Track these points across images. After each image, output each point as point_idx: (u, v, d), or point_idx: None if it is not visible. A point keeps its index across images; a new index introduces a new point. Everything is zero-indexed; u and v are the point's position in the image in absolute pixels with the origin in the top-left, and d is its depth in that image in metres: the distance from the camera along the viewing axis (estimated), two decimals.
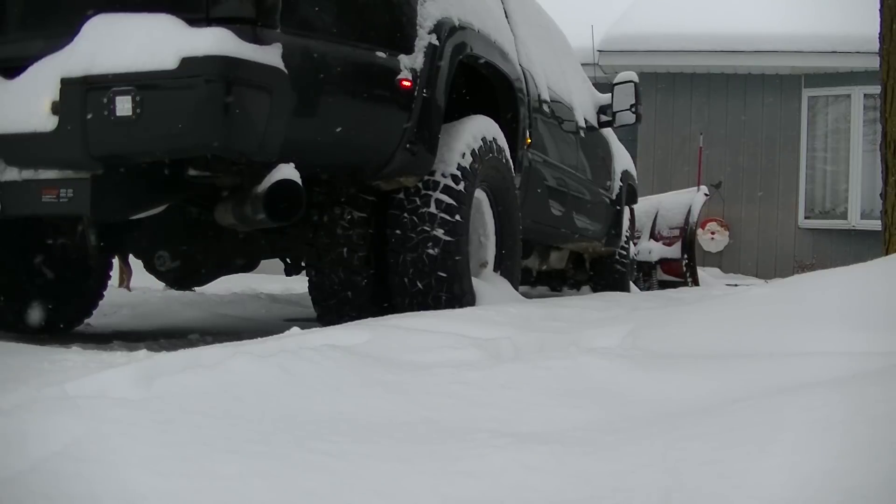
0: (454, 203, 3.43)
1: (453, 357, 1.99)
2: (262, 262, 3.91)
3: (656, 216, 9.07)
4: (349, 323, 2.67)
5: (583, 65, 6.51)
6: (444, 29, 3.44)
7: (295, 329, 2.60)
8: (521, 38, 4.56)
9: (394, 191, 3.45)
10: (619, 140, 7.05)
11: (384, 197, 3.47)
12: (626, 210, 6.95)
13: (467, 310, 3.05)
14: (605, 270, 6.96)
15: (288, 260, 3.97)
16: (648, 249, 8.92)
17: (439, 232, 3.37)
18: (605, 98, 6.17)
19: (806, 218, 11.54)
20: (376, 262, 3.46)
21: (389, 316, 2.85)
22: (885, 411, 1.20)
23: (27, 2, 3.06)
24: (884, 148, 3.31)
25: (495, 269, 3.97)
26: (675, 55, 11.35)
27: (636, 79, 6.12)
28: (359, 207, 3.42)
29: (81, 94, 2.65)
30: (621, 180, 6.72)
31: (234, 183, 2.96)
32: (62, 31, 2.77)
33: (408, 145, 3.29)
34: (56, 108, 2.70)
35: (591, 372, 1.79)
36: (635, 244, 8.29)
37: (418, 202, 3.41)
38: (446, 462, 1.26)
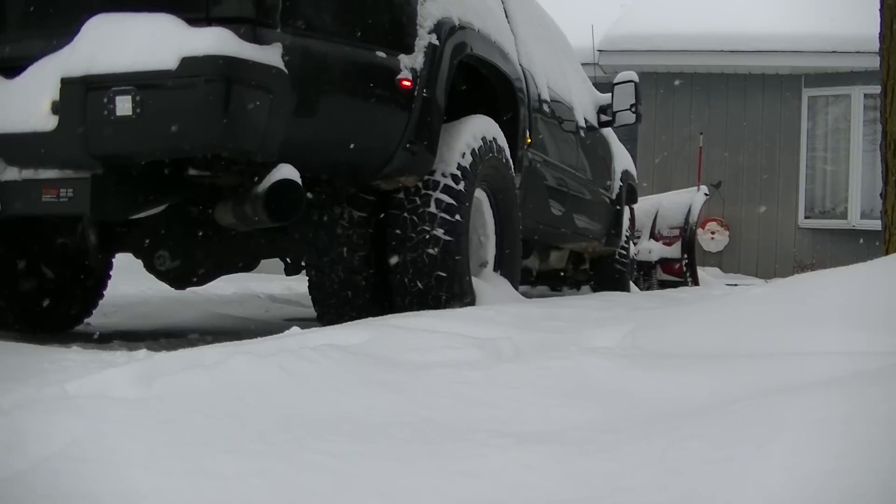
0: (454, 203, 3.43)
1: (453, 357, 1.99)
2: (262, 261, 3.91)
3: (656, 216, 9.07)
4: (349, 323, 2.67)
5: (583, 65, 6.51)
6: (444, 29, 3.43)
7: (295, 329, 2.59)
8: (521, 38, 4.56)
9: (394, 190, 3.45)
10: (619, 140, 7.05)
11: (384, 197, 3.47)
12: (626, 210, 6.95)
13: (467, 310, 3.05)
14: (605, 270, 6.96)
15: (288, 260, 3.97)
16: (648, 249, 8.92)
17: (439, 232, 3.37)
18: (605, 98, 6.16)
19: (806, 218, 11.54)
20: (376, 262, 3.46)
21: (389, 316, 2.85)
22: (885, 411, 1.20)
23: (27, 2, 3.06)
24: (884, 148, 3.31)
25: (495, 269, 3.97)
26: (675, 55, 11.36)
27: (636, 79, 6.11)
28: (359, 207, 3.42)
29: (81, 93, 2.65)
30: (621, 180, 6.71)
31: (234, 183, 2.96)
32: (62, 31, 2.77)
33: (408, 145, 3.29)
34: (56, 108, 2.70)
35: (590, 371, 1.79)
36: (635, 244, 8.29)
37: (418, 202, 3.41)
38: (446, 462, 1.26)
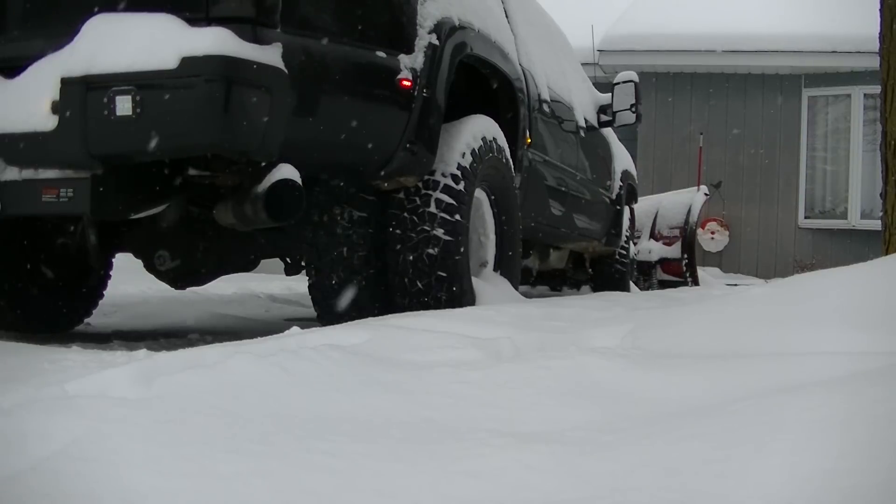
0: (454, 203, 3.43)
1: (453, 357, 1.99)
2: (262, 261, 3.91)
3: (656, 216, 9.07)
4: (349, 323, 2.67)
5: (583, 65, 6.51)
6: (444, 29, 3.43)
7: (295, 329, 2.60)
8: (521, 38, 4.56)
9: (394, 190, 3.45)
10: (619, 140, 7.05)
11: (384, 197, 3.47)
12: (626, 210, 6.95)
13: (467, 310, 3.05)
14: (605, 270, 6.96)
15: (288, 260, 3.97)
16: (648, 249, 8.92)
17: (439, 232, 3.37)
18: (605, 98, 6.16)
19: (806, 218, 11.55)
20: (376, 262, 3.46)
21: (389, 316, 2.85)
22: (885, 411, 1.20)
23: (27, 2, 3.06)
24: (884, 148, 3.31)
25: (495, 269, 3.97)
26: (675, 55, 11.36)
27: (636, 79, 6.11)
28: (359, 207, 3.42)
29: (81, 93, 2.65)
30: (621, 180, 6.72)
31: (234, 183, 2.96)
32: (62, 31, 2.77)
33: (408, 145, 3.29)
34: (56, 108, 2.70)
35: (590, 372, 1.79)
36: (635, 244, 8.29)
37: (418, 202, 3.41)
38: (446, 462, 1.26)
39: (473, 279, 3.62)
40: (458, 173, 3.48)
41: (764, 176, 11.54)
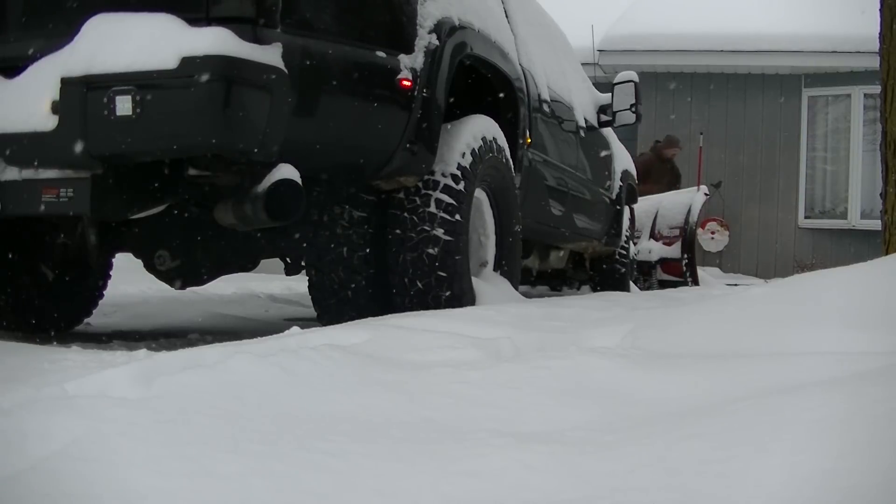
0: (454, 203, 3.43)
1: (453, 357, 1.99)
2: (262, 261, 3.91)
3: (656, 216, 9.07)
4: (349, 323, 2.67)
5: (583, 65, 6.51)
6: (444, 28, 3.44)
7: (295, 329, 2.60)
8: (521, 38, 4.56)
9: (394, 190, 3.45)
10: (619, 140, 7.05)
11: (384, 196, 3.47)
12: (626, 210, 6.95)
13: (467, 309, 3.05)
14: (605, 270, 6.96)
15: (288, 260, 3.97)
16: (648, 249, 8.92)
17: (439, 231, 3.37)
18: (605, 98, 6.16)
19: (806, 218, 11.55)
20: (376, 262, 3.46)
21: (389, 316, 2.85)
22: (885, 411, 1.20)
23: (27, 2, 3.06)
24: (884, 148, 3.31)
25: (495, 269, 3.97)
26: (675, 55, 11.36)
27: (636, 78, 6.11)
28: (359, 207, 3.42)
29: (81, 93, 2.65)
30: (621, 180, 6.72)
31: (234, 183, 2.96)
32: (62, 31, 2.78)
33: (408, 145, 3.29)
34: (56, 108, 2.70)
35: (590, 371, 1.79)
36: (635, 244, 8.29)
37: (418, 202, 3.41)
38: (446, 462, 1.26)
39: (473, 279, 3.62)
40: (458, 173, 3.48)
41: (764, 176, 11.54)
